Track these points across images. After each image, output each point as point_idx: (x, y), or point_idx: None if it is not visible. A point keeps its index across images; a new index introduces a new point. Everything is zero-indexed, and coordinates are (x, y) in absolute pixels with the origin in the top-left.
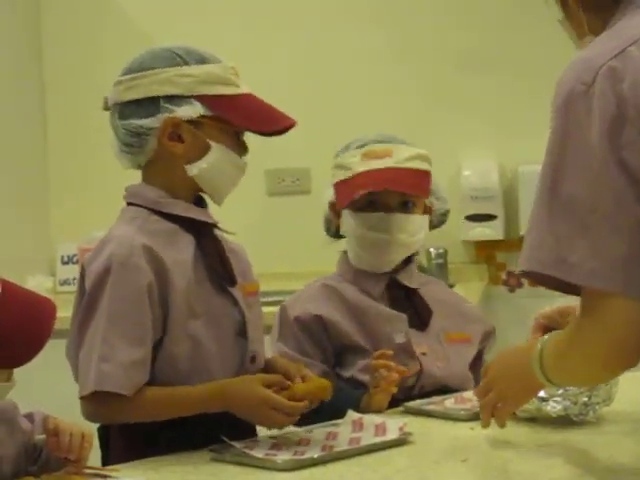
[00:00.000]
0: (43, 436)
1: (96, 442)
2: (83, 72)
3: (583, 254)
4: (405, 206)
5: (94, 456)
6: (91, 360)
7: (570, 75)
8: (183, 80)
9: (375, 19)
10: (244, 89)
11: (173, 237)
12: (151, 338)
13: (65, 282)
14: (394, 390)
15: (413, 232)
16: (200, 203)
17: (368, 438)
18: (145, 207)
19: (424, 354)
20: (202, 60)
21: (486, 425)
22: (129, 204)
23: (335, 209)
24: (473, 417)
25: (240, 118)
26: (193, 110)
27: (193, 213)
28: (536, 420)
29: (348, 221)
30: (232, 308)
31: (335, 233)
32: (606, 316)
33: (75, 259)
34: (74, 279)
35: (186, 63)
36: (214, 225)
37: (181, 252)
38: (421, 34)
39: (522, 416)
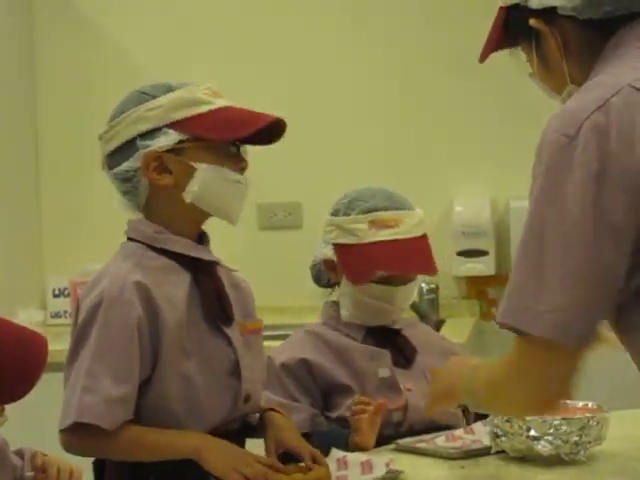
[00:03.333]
0: (32, 473)
1: (89, 473)
2: (76, 104)
3: (546, 306)
4: (409, 278)
5: None
6: (74, 392)
7: (554, 125)
8: (152, 113)
9: (369, 50)
10: (220, 103)
11: (168, 274)
12: (137, 375)
13: (56, 315)
14: (377, 424)
15: (412, 297)
16: (201, 239)
17: (355, 476)
18: (143, 242)
19: (409, 390)
20: (169, 89)
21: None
22: (129, 239)
23: (330, 265)
24: (464, 455)
25: (217, 131)
26: (168, 139)
27: (190, 250)
28: (527, 459)
29: (346, 284)
30: (226, 348)
31: (326, 284)
32: (548, 364)
33: (66, 292)
34: (65, 312)
35: (154, 97)
36: (215, 262)
37: (175, 289)
38: (416, 68)
39: (513, 455)
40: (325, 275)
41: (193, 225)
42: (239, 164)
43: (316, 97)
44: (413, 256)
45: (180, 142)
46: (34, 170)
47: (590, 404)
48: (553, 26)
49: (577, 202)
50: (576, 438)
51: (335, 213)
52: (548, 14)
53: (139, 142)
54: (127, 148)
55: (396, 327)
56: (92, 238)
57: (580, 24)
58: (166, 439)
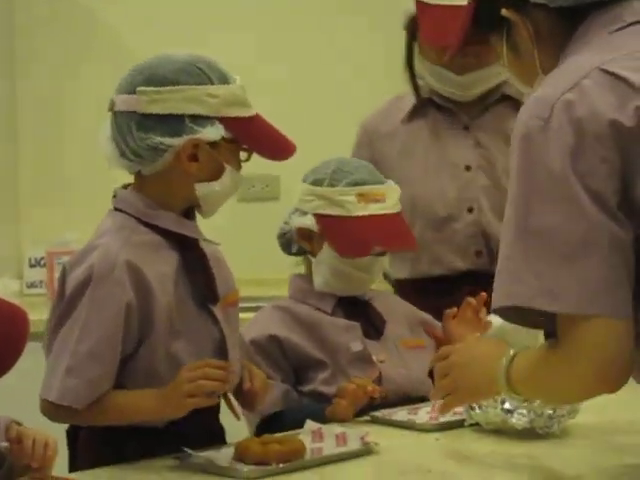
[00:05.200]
0: (6, 444)
1: (63, 444)
2: (55, 71)
3: (566, 283)
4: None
5: (62, 458)
6: (57, 368)
7: (526, 113)
8: (210, 100)
9: (352, 20)
10: (254, 110)
11: (158, 251)
12: (118, 354)
13: (32, 285)
14: (360, 402)
15: (384, 267)
16: (189, 214)
17: (330, 448)
18: (133, 216)
19: (382, 362)
20: (224, 79)
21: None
22: (116, 209)
23: (305, 234)
24: (438, 427)
25: (254, 142)
26: (216, 132)
27: (180, 227)
28: (501, 432)
29: (328, 253)
30: (212, 327)
31: (296, 252)
32: (594, 341)
33: (43, 262)
34: (41, 282)
35: (211, 81)
36: (197, 239)
37: (165, 266)
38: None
39: (487, 428)
40: (295, 244)
41: (181, 205)
42: (240, 168)
43: (295, 69)
44: (401, 231)
45: (221, 138)
46: (12, 140)
47: None
48: (524, 16)
49: (560, 178)
50: (550, 411)
51: (317, 183)
52: (520, 4)
53: (188, 123)
54: (172, 122)
55: (364, 298)
56: (70, 208)
57: (551, 12)
58: (134, 403)
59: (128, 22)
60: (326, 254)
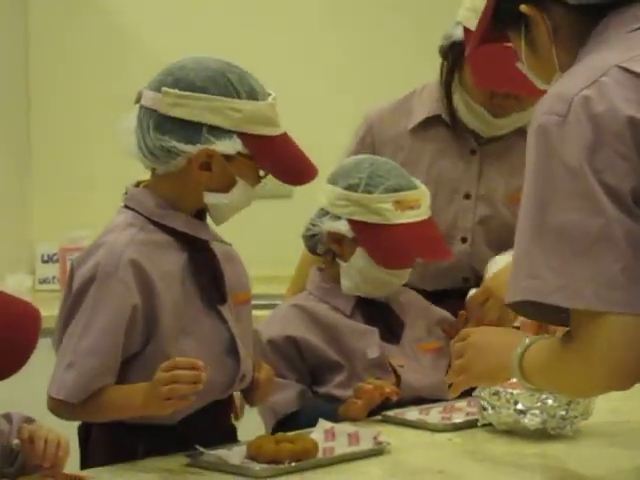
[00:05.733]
0: (18, 441)
1: (74, 441)
2: (68, 64)
3: (582, 279)
4: None
5: (73, 456)
6: (60, 365)
7: (544, 108)
8: (232, 114)
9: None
10: (281, 128)
11: (165, 250)
12: (120, 350)
13: (44, 281)
14: (375, 402)
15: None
16: (200, 215)
17: (342, 447)
18: (142, 214)
19: (402, 366)
20: (252, 94)
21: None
22: (126, 207)
23: (337, 238)
24: (451, 428)
25: (272, 165)
26: (233, 146)
27: (189, 228)
28: (514, 432)
29: (363, 260)
30: (221, 327)
31: (322, 253)
32: (608, 338)
33: (55, 258)
34: (54, 278)
35: (238, 95)
36: (208, 240)
37: (171, 267)
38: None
39: (500, 428)
40: (325, 247)
41: (194, 206)
42: (258, 183)
43: (305, 70)
44: (437, 240)
45: (238, 153)
46: (25, 136)
47: None
48: (543, 12)
49: (577, 173)
50: (563, 412)
51: (351, 188)
52: (539, 0)
53: (205, 133)
54: (189, 129)
55: (383, 298)
56: (82, 204)
57: (570, 9)
58: (124, 400)
59: (145, 20)
60: (361, 260)
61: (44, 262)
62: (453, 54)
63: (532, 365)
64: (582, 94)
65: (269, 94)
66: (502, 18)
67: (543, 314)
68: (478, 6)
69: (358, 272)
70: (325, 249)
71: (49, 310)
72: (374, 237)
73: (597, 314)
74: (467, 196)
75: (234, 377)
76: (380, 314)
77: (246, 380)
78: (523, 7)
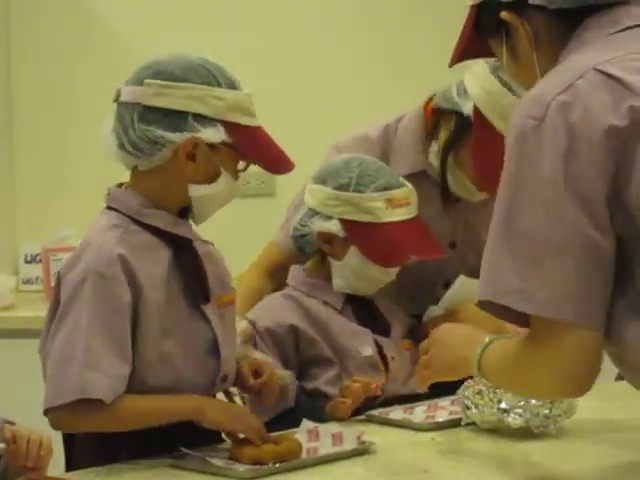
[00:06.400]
0: (3, 444)
1: (59, 446)
2: (50, 64)
3: (537, 285)
4: None
5: (57, 460)
6: (67, 370)
7: (521, 112)
8: (215, 102)
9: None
10: (258, 122)
11: (150, 250)
12: (131, 355)
13: (28, 281)
14: (360, 400)
15: None
16: (183, 214)
17: (326, 448)
18: (125, 215)
19: (393, 358)
20: (232, 85)
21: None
22: (109, 208)
23: (327, 238)
24: (434, 427)
25: (253, 151)
26: (217, 134)
27: (173, 227)
28: (497, 431)
29: (357, 258)
30: (204, 327)
31: (310, 253)
32: (558, 346)
33: (38, 258)
34: (37, 278)
35: (218, 84)
36: (191, 239)
37: (156, 266)
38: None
39: (483, 427)
40: (314, 247)
41: (175, 205)
42: (238, 177)
43: (292, 64)
44: (427, 237)
45: (222, 142)
46: (7, 135)
47: None
48: (524, 18)
49: (549, 181)
50: (546, 411)
51: (342, 188)
52: (519, 6)
53: (190, 121)
54: (175, 117)
55: (370, 296)
56: (66, 204)
57: (550, 15)
58: (163, 404)
59: (126, 18)
60: (354, 259)
61: (27, 262)
62: (457, 128)
63: (490, 363)
64: (559, 99)
65: (244, 87)
66: (483, 26)
67: (509, 314)
68: (496, 92)
69: (352, 271)
70: (314, 249)
71: (33, 311)
72: (366, 236)
73: (548, 322)
74: (452, 245)
75: (215, 378)
76: (369, 310)
77: (229, 381)
78: (504, 14)
